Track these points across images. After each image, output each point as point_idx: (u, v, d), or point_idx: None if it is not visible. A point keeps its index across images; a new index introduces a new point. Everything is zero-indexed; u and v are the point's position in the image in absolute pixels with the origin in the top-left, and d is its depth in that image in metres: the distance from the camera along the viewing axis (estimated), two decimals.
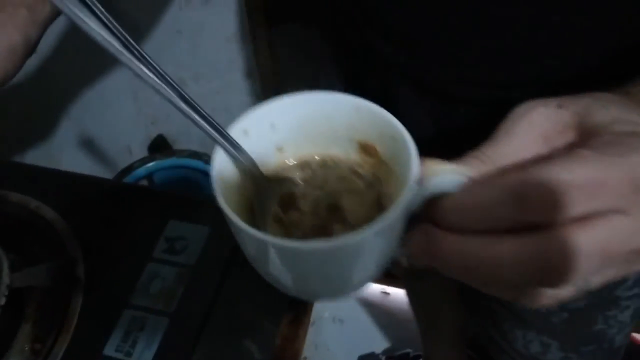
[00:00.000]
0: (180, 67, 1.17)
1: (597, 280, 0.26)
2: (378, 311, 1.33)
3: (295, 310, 0.65)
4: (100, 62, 1.15)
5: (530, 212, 0.24)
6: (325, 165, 0.37)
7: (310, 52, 0.93)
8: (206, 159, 1.15)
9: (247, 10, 1.05)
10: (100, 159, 1.32)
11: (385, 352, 1.26)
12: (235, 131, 0.32)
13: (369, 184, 0.36)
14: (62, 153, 1.32)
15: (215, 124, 0.29)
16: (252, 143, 0.33)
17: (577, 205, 0.23)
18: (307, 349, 1.29)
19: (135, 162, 1.16)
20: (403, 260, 0.31)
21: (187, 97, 0.28)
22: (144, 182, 1.21)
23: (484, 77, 0.48)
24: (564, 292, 0.26)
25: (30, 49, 0.52)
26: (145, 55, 0.26)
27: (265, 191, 0.34)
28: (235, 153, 0.31)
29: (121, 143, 1.34)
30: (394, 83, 0.55)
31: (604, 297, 0.60)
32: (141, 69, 0.26)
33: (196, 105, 0.28)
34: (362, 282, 0.33)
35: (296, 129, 0.36)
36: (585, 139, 0.27)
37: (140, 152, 1.33)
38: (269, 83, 1.14)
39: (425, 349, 1.18)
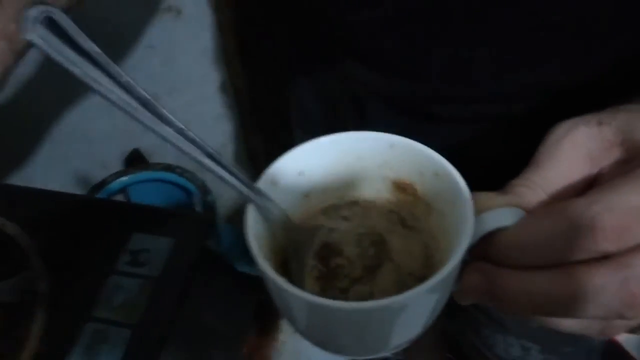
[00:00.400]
0: (154, 82, 1.17)
1: None
2: None
3: (263, 320, 0.66)
4: (73, 76, 1.15)
5: (603, 241, 0.22)
6: (358, 205, 0.36)
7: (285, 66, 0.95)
8: (179, 171, 1.15)
9: (218, 27, 1.06)
10: (74, 175, 1.32)
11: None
12: (265, 183, 0.31)
13: (410, 225, 0.35)
14: (35, 170, 1.31)
15: (245, 179, 0.28)
16: (280, 193, 0.32)
17: None
18: (288, 357, 1.28)
19: (109, 176, 1.15)
20: (463, 301, 0.30)
21: (213, 153, 0.26)
22: (120, 197, 1.21)
23: (461, 92, 0.47)
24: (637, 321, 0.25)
25: (7, 77, 0.52)
26: (164, 113, 0.25)
27: (301, 243, 0.33)
28: (268, 207, 0.30)
29: (96, 158, 1.34)
30: (371, 105, 0.55)
31: None
32: (160, 127, 0.25)
33: (223, 162, 0.27)
34: (410, 338, 0.31)
35: (324, 173, 0.34)
36: (634, 155, 0.26)
37: (116, 167, 1.33)
38: (242, 96, 1.15)
39: (405, 354, 1.18)
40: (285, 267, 0.32)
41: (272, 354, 0.65)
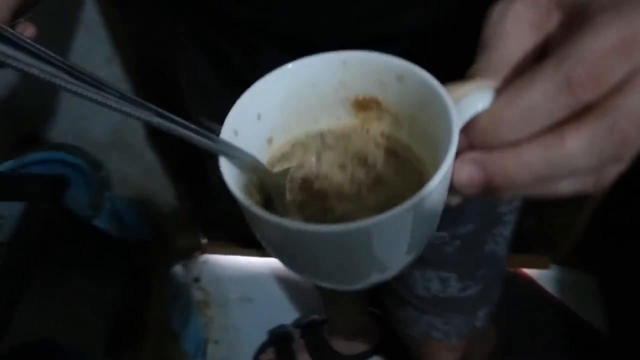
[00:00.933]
0: None
1: None
2: (286, 284, 1.34)
3: (136, 282, 0.64)
4: None
5: (583, 92, 0.23)
6: (325, 137, 0.34)
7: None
8: (70, 149, 1.08)
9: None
10: None
11: (294, 323, 1.27)
12: (227, 133, 0.29)
13: (392, 148, 0.33)
14: None
15: (207, 134, 0.27)
16: (243, 141, 0.30)
17: (621, 67, 0.23)
18: (217, 332, 1.30)
19: None
20: (454, 200, 0.28)
21: (163, 113, 0.25)
22: None
23: (348, 27, 0.45)
24: (628, 161, 0.25)
25: None
26: (101, 81, 0.24)
27: (279, 186, 0.32)
28: (238, 157, 0.29)
29: None
30: (258, 48, 0.52)
31: (489, 217, 0.61)
32: (100, 95, 0.24)
33: (177, 119, 0.26)
34: (400, 266, 0.30)
35: (281, 111, 0.32)
36: (573, 12, 0.26)
37: (7, 151, 1.24)
38: (131, 67, 1.07)
39: (327, 313, 1.20)
40: (269, 208, 0.31)
41: (159, 318, 0.62)
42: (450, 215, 0.62)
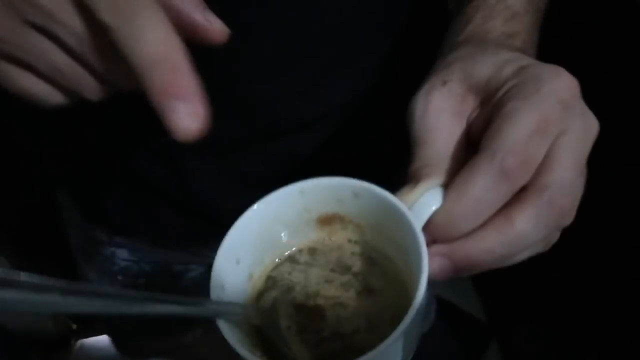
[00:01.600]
0: None
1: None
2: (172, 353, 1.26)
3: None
4: None
5: (517, 178, 0.26)
6: (302, 255, 0.36)
7: None
8: None
9: None
10: None
11: None
12: (216, 290, 0.30)
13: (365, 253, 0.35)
14: None
15: (198, 301, 0.28)
16: (230, 291, 0.32)
17: (542, 147, 0.26)
18: None
19: None
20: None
21: (150, 296, 0.25)
22: None
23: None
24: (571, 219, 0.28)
25: None
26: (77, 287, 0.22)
27: (272, 322, 0.33)
28: (232, 311, 0.30)
29: None
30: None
31: None
32: (83, 303, 0.22)
33: (164, 298, 0.26)
34: None
35: (255, 249, 0.34)
36: (486, 95, 0.30)
37: None
38: None
39: None
40: (273, 349, 0.32)
41: None
42: None
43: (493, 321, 1.25)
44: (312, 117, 0.48)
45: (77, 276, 0.72)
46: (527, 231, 0.27)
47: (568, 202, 0.27)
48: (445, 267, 0.28)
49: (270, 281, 0.36)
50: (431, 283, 0.28)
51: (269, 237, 0.35)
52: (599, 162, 0.31)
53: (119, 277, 0.67)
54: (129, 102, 0.32)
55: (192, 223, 0.57)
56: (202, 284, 0.70)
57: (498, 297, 1.24)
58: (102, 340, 1.31)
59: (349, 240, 0.36)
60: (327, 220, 0.35)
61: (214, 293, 0.30)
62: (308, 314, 0.34)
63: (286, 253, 0.36)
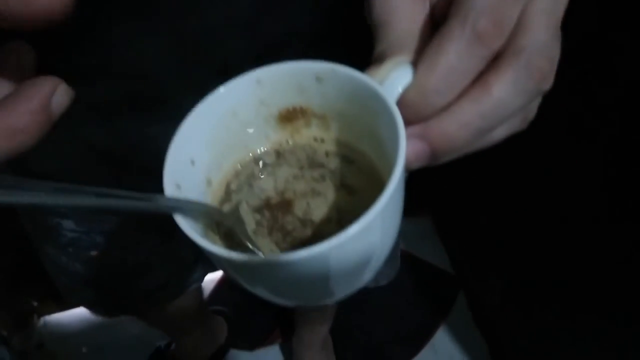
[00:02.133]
0: None
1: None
2: (132, 323, 1.24)
3: None
4: None
5: (491, 40, 0.24)
6: (267, 160, 0.33)
7: None
8: None
9: None
10: None
11: None
12: (170, 188, 0.27)
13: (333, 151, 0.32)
14: None
15: (151, 196, 0.25)
16: (187, 191, 0.28)
17: (515, 8, 0.25)
18: None
19: None
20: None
21: (100, 191, 0.23)
22: None
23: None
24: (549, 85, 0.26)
25: None
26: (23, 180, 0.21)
27: (236, 224, 0.31)
28: (189, 208, 0.27)
29: None
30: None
31: None
32: (26, 195, 0.20)
33: (116, 193, 0.24)
34: (377, 266, 0.29)
35: (211, 149, 0.31)
36: None
37: None
38: None
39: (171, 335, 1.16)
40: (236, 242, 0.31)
41: None
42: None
43: (460, 273, 1.27)
44: (264, 49, 0.44)
45: (34, 249, 0.68)
46: (506, 97, 0.25)
47: (546, 64, 0.25)
48: (421, 151, 0.26)
49: (232, 186, 0.33)
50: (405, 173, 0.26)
51: (225, 136, 0.32)
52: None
53: (70, 249, 0.64)
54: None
55: (137, 181, 0.54)
56: (161, 254, 0.68)
57: (465, 249, 1.25)
58: (66, 316, 1.28)
59: (315, 139, 0.33)
60: (288, 117, 0.32)
61: (168, 192, 0.27)
62: (275, 210, 0.32)
63: (247, 158, 0.33)
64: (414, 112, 0.26)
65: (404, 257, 1.28)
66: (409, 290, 1.25)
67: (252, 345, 1.21)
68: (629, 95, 0.65)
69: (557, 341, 0.93)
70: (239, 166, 0.33)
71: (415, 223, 1.34)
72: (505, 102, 0.25)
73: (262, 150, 0.33)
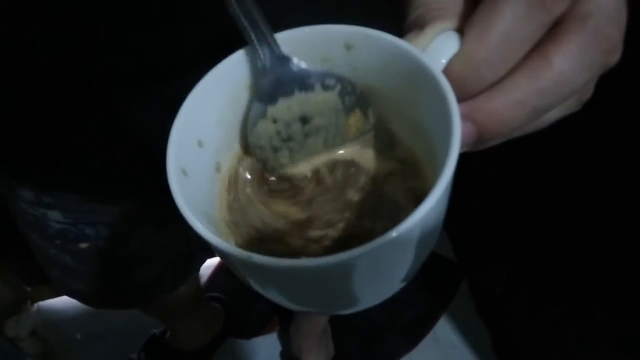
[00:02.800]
0: None
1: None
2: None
3: None
4: None
5: (554, 3, 0.21)
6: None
7: None
8: None
9: None
10: None
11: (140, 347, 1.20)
12: (176, 176, 0.23)
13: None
14: None
15: None
16: (194, 180, 0.24)
17: None
18: None
19: None
20: None
21: None
22: None
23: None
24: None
25: None
26: None
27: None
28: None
29: None
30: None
31: None
32: None
33: None
34: (411, 273, 0.26)
35: (220, 128, 0.27)
36: None
37: None
38: None
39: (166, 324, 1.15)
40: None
41: None
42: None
43: (463, 261, 1.24)
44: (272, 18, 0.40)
45: (22, 240, 0.65)
46: (569, 71, 0.21)
47: (615, 32, 0.22)
48: (466, 134, 0.22)
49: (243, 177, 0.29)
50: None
51: (237, 113, 0.27)
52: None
53: (58, 241, 0.61)
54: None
55: (128, 168, 0.50)
56: (156, 245, 0.64)
57: (468, 236, 1.23)
58: (59, 302, 1.26)
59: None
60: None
61: (173, 179, 0.23)
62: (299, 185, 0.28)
63: (261, 134, 0.28)
64: (460, 88, 0.22)
65: None
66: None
67: (249, 333, 1.19)
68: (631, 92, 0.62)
69: (561, 330, 0.91)
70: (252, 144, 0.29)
71: None
72: (568, 77, 0.21)
73: (281, 124, 0.29)
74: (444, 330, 1.17)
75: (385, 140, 0.28)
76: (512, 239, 1.02)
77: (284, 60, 0.25)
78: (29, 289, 1.24)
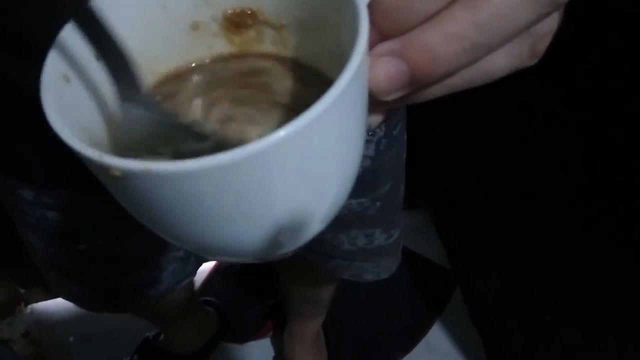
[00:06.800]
0: None
1: None
2: None
3: None
4: None
5: None
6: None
7: None
8: None
9: None
10: None
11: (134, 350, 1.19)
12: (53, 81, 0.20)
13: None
14: None
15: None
16: (78, 89, 0.21)
17: None
18: None
19: None
20: (375, 119, 0.22)
21: None
22: None
23: None
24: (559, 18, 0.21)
25: None
26: None
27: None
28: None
29: None
30: None
31: (399, 168, 0.62)
32: None
33: None
34: (335, 200, 0.22)
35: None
36: None
37: None
38: None
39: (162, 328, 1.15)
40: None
41: None
42: (367, 182, 0.57)
43: (457, 268, 1.24)
44: None
45: (16, 241, 0.65)
46: (511, 4, 0.19)
47: None
48: (397, 72, 0.20)
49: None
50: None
51: (147, 39, 0.24)
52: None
53: (56, 242, 0.60)
54: None
55: None
56: (153, 248, 0.65)
57: (462, 243, 1.23)
58: (53, 304, 1.26)
59: (269, 56, 0.26)
60: (236, 22, 0.25)
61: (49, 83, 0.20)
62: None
63: (171, 73, 0.25)
64: (391, 20, 0.20)
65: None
66: (404, 285, 1.22)
67: (243, 338, 1.19)
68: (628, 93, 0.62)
69: (554, 338, 0.91)
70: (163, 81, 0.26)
71: (412, 216, 1.31)
72: (510, 10, 0.19)
73: (194, 65, 0.26)
74: (437, 337, 1.18)
75: (307, 76, 0.26)
76: (505, 247, 1.02)
77: None
78: (22, 290, 1.24)
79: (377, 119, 0.23)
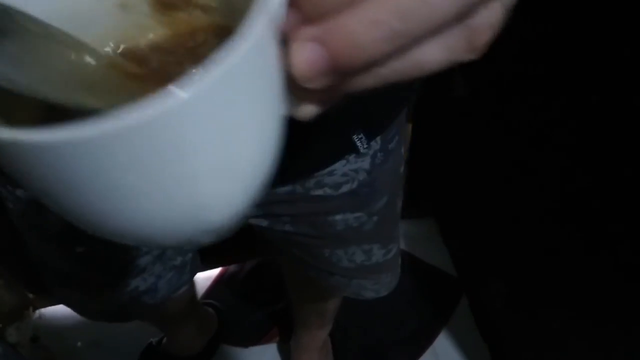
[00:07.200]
0: None
1: None
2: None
3: None
4: None
5: None
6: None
7: None
8: None
9: None
10: None
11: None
12: None
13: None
14: None
15: None
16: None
17: None
18: None
19: None
20: (304, 110, 0.21)
21: None
22: None
23: None
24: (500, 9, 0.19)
25: None
26: None
27: None
28: None
29: None
30: None
31: (396, 181, 0.62)
32: None
33: None
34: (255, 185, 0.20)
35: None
36: None
37: None
38: None
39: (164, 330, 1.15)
40: None
41: None
42: (363, 196, 0.56)
43: (463, 277, 1.24)
44: None
45: (25, 245, 0.66)
46: None
47: None
48: (317, 58, 0.19)
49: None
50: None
51: (67, 14, 0.22)
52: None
53: (55, 245, 0.61)
54: None
55: None
56: (150, 254, 0.65)
57: (468, 252, 1.23)
58: (61, 309, 1.26)
59: (197, 34, 0.25)
60: (167, 3, 0.24)
61: None
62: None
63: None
64: (314, 6, 0.19)
65: (405, 259, 1.27)
66: (410, 293, 1.22)
67: (246, 342, 1.19)
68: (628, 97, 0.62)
69: (561, 347, 0.91)
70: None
71: (418, 224, 1.31)
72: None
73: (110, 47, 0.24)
74: (443, 345, 1.17)
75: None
76: (512, 255, 1.02)
77: None
78: (31, 295, 1.25)
79: (310, 109, 0.22)
